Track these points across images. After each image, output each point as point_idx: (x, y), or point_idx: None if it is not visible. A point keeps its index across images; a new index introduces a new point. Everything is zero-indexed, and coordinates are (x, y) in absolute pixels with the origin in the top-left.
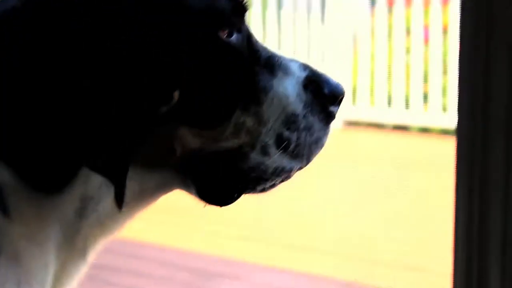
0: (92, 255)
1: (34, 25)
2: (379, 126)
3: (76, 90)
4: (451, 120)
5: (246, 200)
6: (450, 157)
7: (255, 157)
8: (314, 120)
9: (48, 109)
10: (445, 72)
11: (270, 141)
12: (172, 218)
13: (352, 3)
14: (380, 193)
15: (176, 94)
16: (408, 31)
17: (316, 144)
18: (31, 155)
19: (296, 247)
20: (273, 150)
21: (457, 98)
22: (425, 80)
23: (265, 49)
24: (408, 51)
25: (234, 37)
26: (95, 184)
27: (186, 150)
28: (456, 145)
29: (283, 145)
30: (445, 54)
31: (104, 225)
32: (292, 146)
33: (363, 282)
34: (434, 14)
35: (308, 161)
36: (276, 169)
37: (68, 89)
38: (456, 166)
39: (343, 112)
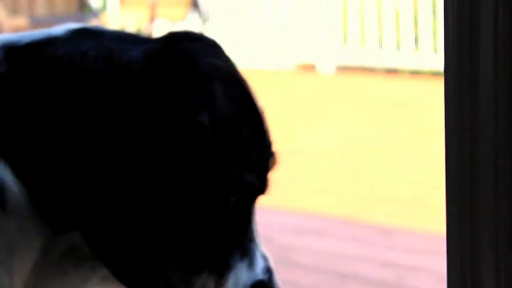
0: None
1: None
2: (370, 70)
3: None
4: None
5: None
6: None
7: None
8: None
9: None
10: (434, 13)
11: None
12: None
13: None
14: (373, 133)
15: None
16: None
17: None
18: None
19: (298, 187)
20: None
21: (444, 38)
22: (415, 22)
23: (251, 231)
24: None
25: (236, 206)
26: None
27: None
28: (444, 84)
29: None
30: None
31: None
32: None
33: (360, 217)
34: None
35: None
36: None
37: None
38: (445, 105)
39: (335, 57)
